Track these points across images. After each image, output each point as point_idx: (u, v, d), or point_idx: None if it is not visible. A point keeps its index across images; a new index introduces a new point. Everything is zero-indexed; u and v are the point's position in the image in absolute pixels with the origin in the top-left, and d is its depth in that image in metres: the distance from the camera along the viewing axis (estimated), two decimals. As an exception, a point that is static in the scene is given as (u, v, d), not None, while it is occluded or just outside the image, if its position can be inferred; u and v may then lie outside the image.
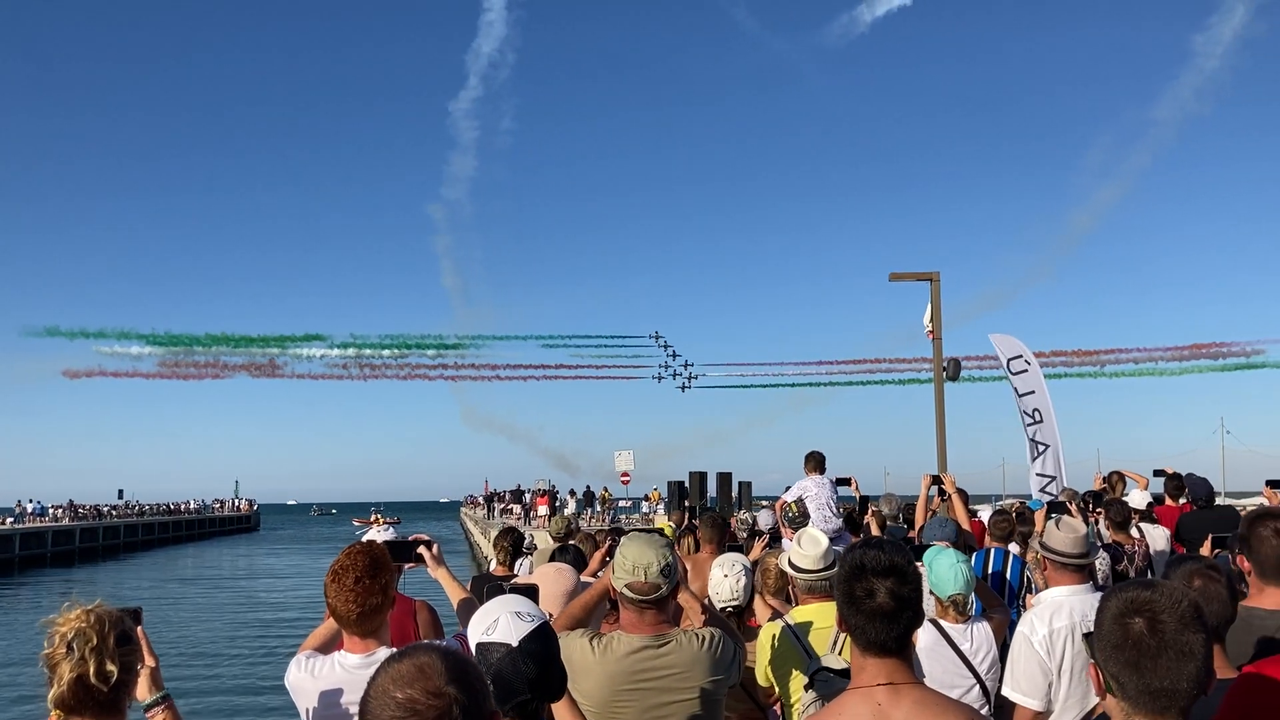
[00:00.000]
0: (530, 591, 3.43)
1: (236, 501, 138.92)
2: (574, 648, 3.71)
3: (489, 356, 59.13)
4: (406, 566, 4.87)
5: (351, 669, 3.69)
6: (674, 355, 59.05)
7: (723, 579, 5.44)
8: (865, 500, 12.02)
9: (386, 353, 56.74)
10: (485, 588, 3.98)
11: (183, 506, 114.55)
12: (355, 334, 58.84)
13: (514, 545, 7.99)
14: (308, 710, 3.75)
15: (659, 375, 59.08)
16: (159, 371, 56.88)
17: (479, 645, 2.67)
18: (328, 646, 4.03)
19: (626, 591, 3.78)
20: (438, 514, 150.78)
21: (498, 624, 2.67)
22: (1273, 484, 10.65)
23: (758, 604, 5.73)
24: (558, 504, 49.36)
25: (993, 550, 7.84)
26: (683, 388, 58.76)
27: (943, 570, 5.06)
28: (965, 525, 9.00)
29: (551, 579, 5.97)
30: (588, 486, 56.00)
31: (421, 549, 4.84)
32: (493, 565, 8.37)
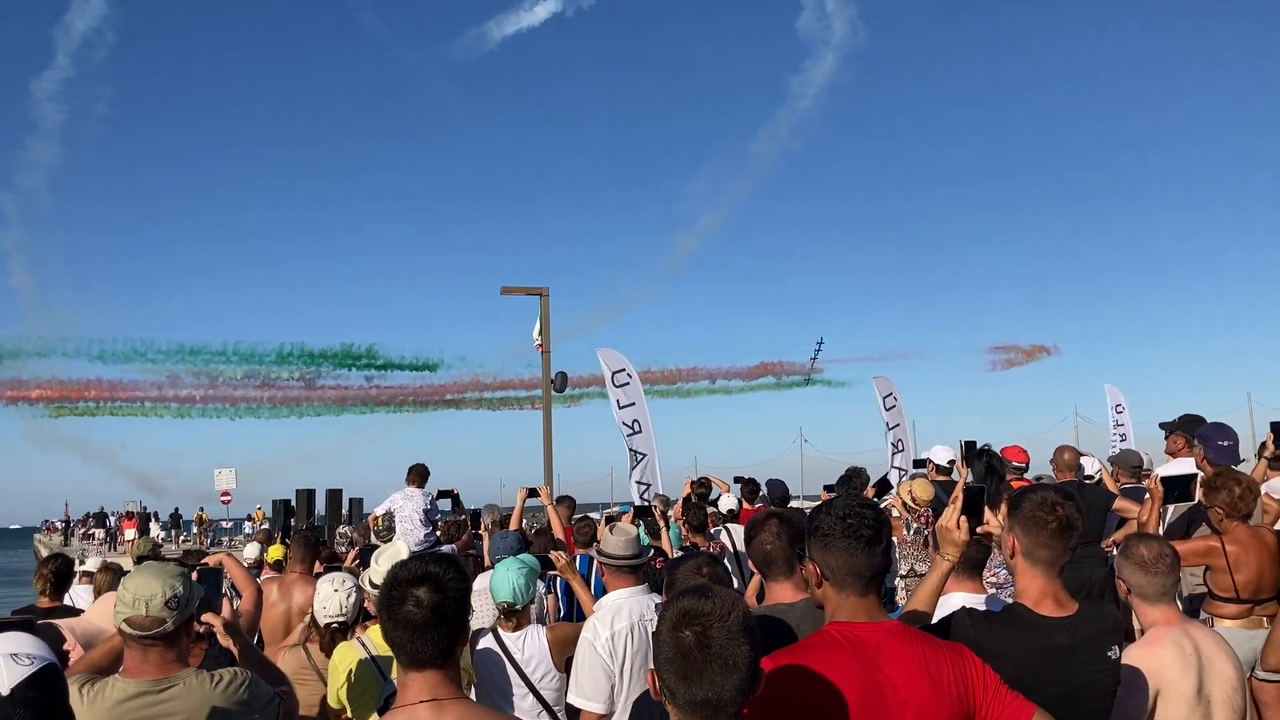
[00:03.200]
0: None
1: None
2: None
3: (36, 369, 48.80)
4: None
5: None
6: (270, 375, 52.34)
7: (332, 594, 5.33)
8: (476, 514, 12.03)
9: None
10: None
11: None
12: None
13: (58, 573, 7.06)
14: None
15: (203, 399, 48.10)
16: None
17: None
18: None
19: (125, 627, 3.42)
20: (7, 542, 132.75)
21: None
22: (829, 488, 11.93)
23: None
24: (150, 528, 45.50)
25: (578, 556, 8.09)
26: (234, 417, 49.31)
27: (497, 579, 5.13)
28: (559, 534, 9.26)
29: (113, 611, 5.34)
30: (175, 509, 51.92)
31: None
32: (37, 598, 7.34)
